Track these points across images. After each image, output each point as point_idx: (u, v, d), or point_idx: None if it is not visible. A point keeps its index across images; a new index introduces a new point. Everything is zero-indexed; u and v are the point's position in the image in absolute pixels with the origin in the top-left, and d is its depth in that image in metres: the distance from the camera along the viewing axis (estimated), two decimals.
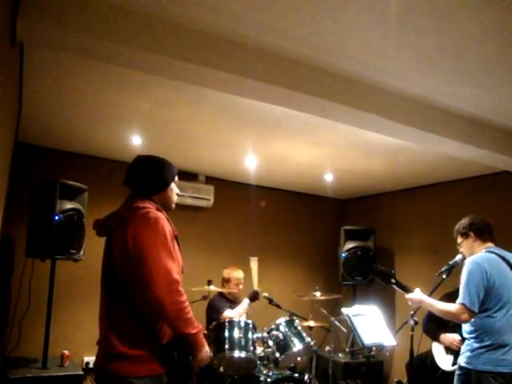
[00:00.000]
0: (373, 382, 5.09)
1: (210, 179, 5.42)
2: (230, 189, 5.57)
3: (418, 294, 2.90)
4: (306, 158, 4.59)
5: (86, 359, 4.41)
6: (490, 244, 2.86)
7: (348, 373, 4.93)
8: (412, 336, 3.00)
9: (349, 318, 3.41)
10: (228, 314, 3.96)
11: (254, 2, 2.17)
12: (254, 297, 4.14)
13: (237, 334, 3.36)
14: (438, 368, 3.73)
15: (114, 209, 2.16)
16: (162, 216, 2.04)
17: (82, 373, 3.56)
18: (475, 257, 2.77)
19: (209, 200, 5.27)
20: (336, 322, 4.30)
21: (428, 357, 3.84)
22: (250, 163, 4.82)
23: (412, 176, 5.06)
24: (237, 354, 3.28)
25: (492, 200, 4.56)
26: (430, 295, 2.95)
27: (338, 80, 2.84)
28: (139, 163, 2.22)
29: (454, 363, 3.34)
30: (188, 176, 5.20)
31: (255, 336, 3.47)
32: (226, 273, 4.41)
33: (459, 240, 2.96)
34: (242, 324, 3.44)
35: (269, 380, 3.56)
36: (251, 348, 3.36)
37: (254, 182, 5.56)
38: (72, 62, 2.74)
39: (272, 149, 4.36)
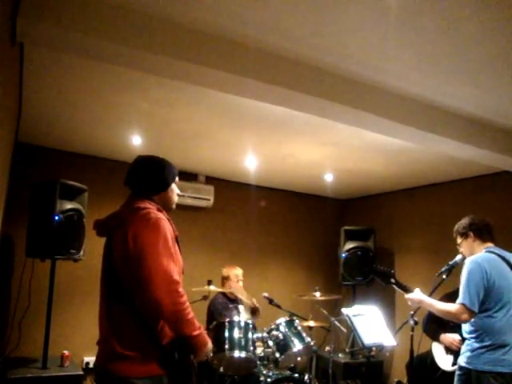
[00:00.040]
0: (373, 382, 5.09)
1: (210, 179, 5.42)
2: (230, 189, 5.57)
3: (417, 294, 2.90)
4: (306, 157, 4.59)
5: (86, 359, 4.41)
6: (489, 244, 2.86)
7: (348, 373, 4.93)
8: (412, 336, 3.00)
9: (349, 318, 3.41)
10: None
11: (253, 2, 2.17)
12: (253, 312, 4.16)
13: (237, 334, 3.36)
14: (438, 368, 3.73)
15: (114, 209, 2.16)
16: (162, 216, 2.04)
17: (82, 373, 3.55)
18: (475, 257, 2.77)
19: (209, 200, 5.27)
20: (336, 322, 4.29)
21: (428, 357, 3.84)
22: (250, 163, 4.82)
23: (412, 176, 5.06)
24: (237, 354, 3.28)
25: (492, 200, 4.56)
26: (430, 295, 2.95)
27: (337, 80, 2.84)
28: (140, 163, 2.22)
29: (454, 363, 3.34)
30: (188, 176, 5.20)
31: (255, 336, 3.47)
32: (225, 271, 4.42)
33: (459, 240, 2.96)
34: (242, 324, 3.44)
35: (269, 380, 3.56)
36: (251, 348, 3.36)
37: (254, 182, 5.56)
38: (72, 62, 2.74)
39: (272, 149, 4.36)
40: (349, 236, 5.48)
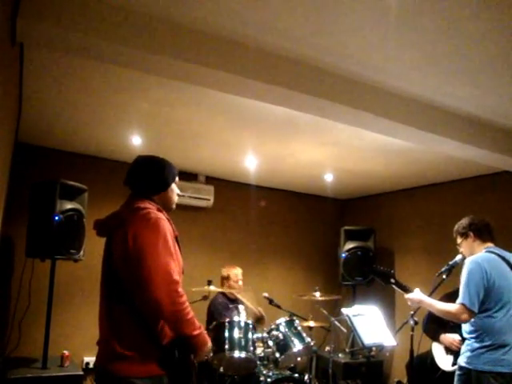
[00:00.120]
0: (373, 382, 5.09)
1: (210, 179, 5.42)
2: (230, 189, 5.57)
3: (417, 294, 2.90)
4: (306, 157, 4.59)
5: (86, 359, 4.41)
6: (489, 244, 2.86)
7: (348, 373, 4.93)
8: (412, 336, 3.00)
9: (349, 318, 3.41)
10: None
11: (254, 2, 2.17)
12: (258, 320, 4.15)
13: (237, 334, 3.36)
14: (438, 368, 3.73)
15: (115, 209, 2.16)
16: (162, 216, 2.04)
17: (82, 373, 3.56)
18: (475, 257, 2.77)
19: (209, 200, 5.27)
20: (336, 322, 4.30)
21: (428, 357, 3.84)
22: (250, 163, 4.82)
23: (412, 176, 5.06)
24: (237, 354, 3.27)
25: (492, 200, 4.55)
26: (430, 295, 2.95)
27: (338, 80, 2.84)
28: (140, 163, 2.22)
29: (454, 363, 3.34)
30: (188, 176, 5.20)
31: (255, 336, 3.46)
32: (225, 270, 4.42)
33: (459, 240, 2.96)
34: (242, 324, 3.43)
35: (269, 380, 3.55)
36: (251, 348, 3.35)
37: (254, 181, 5.56)
38: (72, 62, 2.74)
39: (272, 149, 4.36)
40: (349, 236, 5.48)
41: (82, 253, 3.69)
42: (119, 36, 2.23)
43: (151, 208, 2.05)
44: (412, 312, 3.02)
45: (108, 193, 4.29)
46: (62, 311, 4.26)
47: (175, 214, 2.26)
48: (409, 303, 2.95)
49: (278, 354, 3.51)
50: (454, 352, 3.55)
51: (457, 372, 2.76)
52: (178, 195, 2.29)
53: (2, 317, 4.00)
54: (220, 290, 4.15)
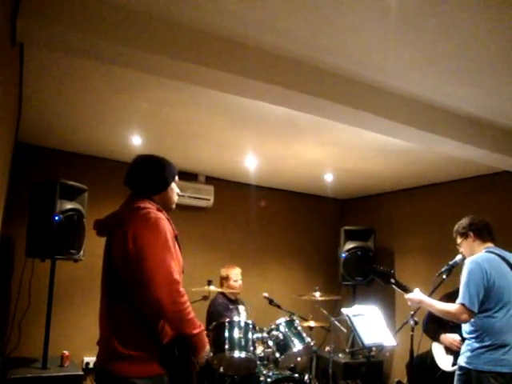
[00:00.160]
0: (373, 382, 5.09)
1: (209, 179, 5.42)
2: (230, 189, 5.57)
3: (417, 294, 2.90)
4: (306, 157, 4.59)
5: (86, 359, 4.41)
6: (489, 244, 2.86)
7: (348, 373, 4.93)
8: (412, 336, 3.00)
9: (349, 318, 3.41)
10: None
11: (253, 2, 2.17)
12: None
13: (237, 334, 3.36)
14: (438, 368, 3.73)
15: (115, 209, 2.16)
16: (162, 216, 2.04)
17: (82, 373, 3.56)
18: (475, 257, 2.77)
19: (209, 200, 5.27)
20: (336, 323, 4.30)
21: (428, 357, 3.84)
22: (250, 163, 4.82)
23: (412, 176, 5.06)
24: (237, 354, 3.28)
25: (492, 200, 4.55)
26: (430, 295, 2.94)
27: (338, 80, 2.84)
28: (139, 163, 2.22)
29: (454, 363, 3.34)
30: (188, 176, 5.20)
31: (255, 336, 3.46)
32: (224, 271, 4.43)
33: (459, 240, 2.96)
34: (242, 324, 3.44)
35: (269, 380, 3.56)
36: (251, 348, 3.36)
37: (254, 182, 5.56)
38: (72, 62, 2.75)
39: (272, 149, 4.36)
40: (349, 236, 5.48)
41: (82, 253, 3.69)
42: (119, 36, 2.23)
43: (151, 208, 2.04)
44: (412, 312, 3.02)
45: (108, 193, 4.29)
46: (62, 311, 4.26)
47: (175, 214, 2.26)
48: (409, 303, 2.95)
49: (278, 354, 3.51)
50: (454, 352, 3.55)
51: (457, 372, 2.76)
52: (178, 195, 2.29)
53: (2, 317, 4.00)
54: (220, 290, 4.15)
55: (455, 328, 3.47)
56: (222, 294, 4.29)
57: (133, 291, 1.93)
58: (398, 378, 5.09)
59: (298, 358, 3.73)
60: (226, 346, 3.28)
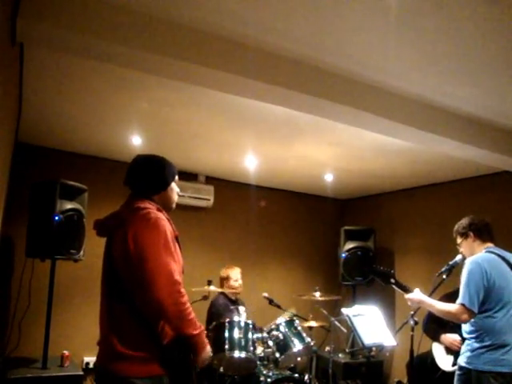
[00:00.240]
0: (373, 382, 5.09)
1: (209, 179, 5.42)
2: (230, 189, 5.57)
3: (417, 294, 2.90)
4: (306, 157, 4.59)
5: (86, 359, 4.41)
6: (489, 244, 2.86)
7: (348, 373, 4.93)
8: (412, 336, 3.00)
9: (349, 318, 3.41)
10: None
11: (253, 2, 2.17)
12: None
13: (237, 334, 3.36)
14: (439, 368, 3.73)
15: (114, 209, 2.16)
16: (162, 216, 2.04)
17: (82, 373, 3.56)
18: (475, 257, 2.77)
19: (209, 200, 5.27)
20: (336, 323, 4.30)
21: (428, 357, 3.84)
22: (250, 163, 4.82)
23: (412, 176, 5.06)
24: (237, 354, 3.27)
25: (492, 200, 4.55)
26: (430, 295, 2.94)
27: (338, 80, 2.84)
28: (139, 163, 2.21)
29: (455, 363, 3.33)
30: (188, 176, 5.20)
31: (255, 336, 3.46)
32: (224, 271, 4.43)
33: (459, 240, 2.96)
34: (242, 324, 3.43)
35: (269, 380, 3.56)
36: (251, 348, 3.35)
37: (254, 182, 5.56)
38: (72, 62, 2.74)
39: (272, 149, 4.36)
40: (349, 236, 5.48)
41: (82, 253, 3.69)
42: (119, 36, 2.23)
43: (151, 208, 2.04)
44: (412, 312, 3.02)
45: (108, 193, 4.29)
46: (62, 311, 4.26)
47: (175, 214, 2.26)
48: (409, 303, 2.95)
49: (278, 354, 3.51)
50: (455, 352, 3.55)
51: (457, 372, 2.76)
52: (178, 194, 2.29)
53: (2, 317, 4.00)
54: (220, 290, 4.15)
55: (455, 328, 3.47)
56: (223, 294, 4.30)
57: (133, 291, 1.93)
58: (398, 378, 5.09)
59: (298, 358, 3.73)
60: (226, 346, 3.27)
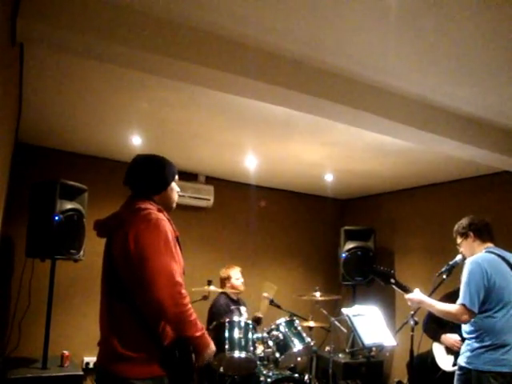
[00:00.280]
0: (373, 382, 5.09)
1: (209, 179, 5.42)
2: (230, 189, 5.57)
3: (417, 295, 2.90)
4: (306, 157, 4.59)
5: (86, 359, 4.41)
6: (489, 244, 2.86)
7: (348, 373, 4.93)
8: (412, 336, 3.00)
9: (349, 318, 3.41)
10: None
11: (253, 2, 2.17)
12: (256, 321, 4.12)
13: (237, 334, 3.36)
14: (439, 368, 3.73)
15: (115, 209, 2.15)
16: (163, 217, 2.03)
17: (82, 373, 3.55)
18: (475, 257, 2.77)
19: (209, 200, 5.27)
20: (336, 323, 4.30)
21: (428, 357, 3.84)
22: (250, 163, 4.82)
23: (412, 176, 5.06)
24: (237, 354, 3.28)
25: (492, 200, 4.55)
26: (430, 295, 2.94)
27: (338, 80, 2.84)
28: (139, 163, 2.21)
29: (455, 364, 3.33)
30: (188, 176, 5.20)
31: (255, 336, 3.47)
32: (224, 271, 4.42)
33: (459, 240, 2.95)
34: (242, 324, 3.44)
35: (269, 380, 3.56)
36: (251, 348, 3.36)
37: (254, 182, 5.56)
38: (72, 62, 2.74)
39: (272, 149, 4.36)
40: (349, 236, 5.48)
41: (82, 253, 3.69)
42: (119, 36, 2.23)
43: (152, 209, 2.04)
44: (412, 312, 3.01)
45: (108, 193, 4.29)
46: (62, 311, 4.26)
47: (175, 214, 2.26)
48: (409, 303, 2.95)
49: (278, 354, 3.51)
50: (455, 352, 3.55)
51: (457, 372, 2.76)
52: (178, 194, 2.29)
53: (2, 317, 4.00)
54: (221, 290, 4.14)
55: (455, 328, 3.47)
56: (224, 294, 4.29)
57: (134, 292, 1.93)
58: (398, 377, 5.09)
59: (298, 358, 3.73)
60: (226, 346, 3.28)
